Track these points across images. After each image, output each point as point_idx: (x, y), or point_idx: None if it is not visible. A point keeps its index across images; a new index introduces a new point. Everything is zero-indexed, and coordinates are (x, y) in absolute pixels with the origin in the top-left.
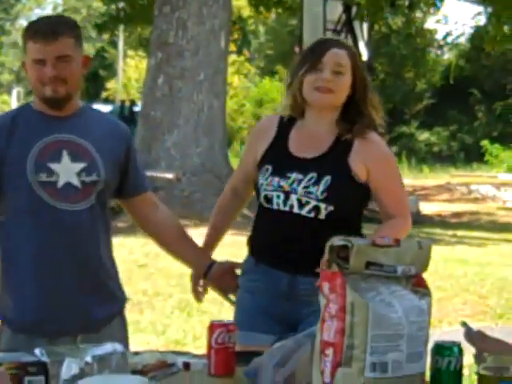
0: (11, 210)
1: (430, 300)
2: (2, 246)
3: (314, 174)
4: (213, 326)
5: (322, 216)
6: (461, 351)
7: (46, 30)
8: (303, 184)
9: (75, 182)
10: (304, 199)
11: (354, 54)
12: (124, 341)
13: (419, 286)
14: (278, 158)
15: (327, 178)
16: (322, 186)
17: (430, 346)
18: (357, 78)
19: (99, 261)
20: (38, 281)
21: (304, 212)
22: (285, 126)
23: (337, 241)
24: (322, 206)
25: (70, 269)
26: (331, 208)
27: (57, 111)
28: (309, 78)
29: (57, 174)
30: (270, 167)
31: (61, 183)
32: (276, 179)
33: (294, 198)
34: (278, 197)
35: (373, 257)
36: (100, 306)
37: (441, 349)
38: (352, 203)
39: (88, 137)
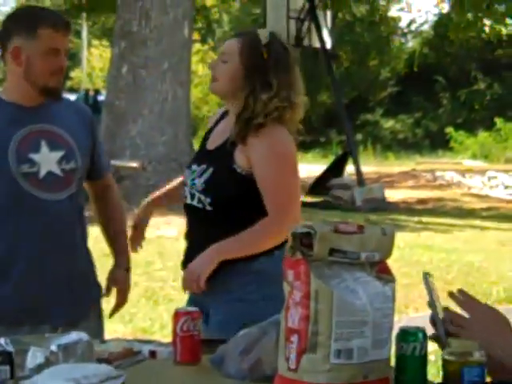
0: None
1: (394, 286)
2: None
3: (203, 166)
4: (177, 314)
5: (208, 207)
6: (425, 337)
7: (63, 21)
8: (192, 176)
9: (56, 170)
10: (192, 191)
11: (245, 42)
12: (101, 330)
13: (383, 273)
14: (198, 150)
15: (210, 170)
16: (203, 178)
17: (395, 332)
18: (246, 66)
19: (81, 250)
20: (23, 271)
21: (195, 203)
22: (221, 118)
23: (300, 228)
24: (202, 197)
25: (57, 258)
26: (209, 199)
27: (34, 102)
28: None
29: (38, 164)
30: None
31: (42, 173)
32: (186, 172)
33: (187, 190)
34: (184, 190)
35: (336, 244)
36: (83, 295)
37: (405, 335)
38: (231, 195)
39: (62, 124)
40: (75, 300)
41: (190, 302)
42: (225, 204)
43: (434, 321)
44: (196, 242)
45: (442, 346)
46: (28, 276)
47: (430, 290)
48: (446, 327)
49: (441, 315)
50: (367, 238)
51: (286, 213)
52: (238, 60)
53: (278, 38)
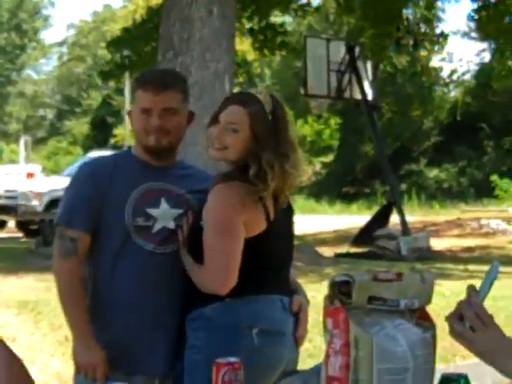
0: (101, 250)
1: (434, 332)
2: (92, 281)
3: None
4: (218, 365)
5: None
6: (467, 383)
7: (156, 80)
8: None
9: (171, 226)
10: None
11: (253, 112)
12: None
13: (423, 319)
14: None
15: None
16: None
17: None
18: (256, 135)
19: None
20: (130, 319)
21: None
22: None
23: (338, 276)
24: None
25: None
26: None
27: (157, 161)
28: None
29: (154, 218)
30: None
31: (157, 227)
32: None
33: None
34: None
35: (375, 291)
36: (181, 354)
37: (447, 381)
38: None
39: (187, 189)
40: (177, 356)
41: None
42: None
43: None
44: None
45: (464, 340)
46: (129, 324)
47: (491, 279)
48: (473, 320)
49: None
50: (406, 286)
51: (213, 272)
52: (248, 129)
53: (277, 99)
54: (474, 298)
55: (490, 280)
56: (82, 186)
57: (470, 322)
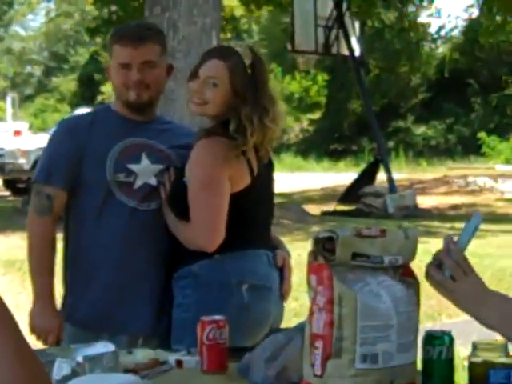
0: (82, 207)
1: (418, 289)
2: (70, 241)
3: None
4: (203, 323)
5: None
6: (451, 340)
7: (133, 34)
8: None
9: (153, 182)
10: None
11: (233, 65)
12: None
13: (407, 276)
14: None
15: None
16: None
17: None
18: (236, 89)
19: (164, 263)
20: (109, 276)
21: None
22: None
23: (322, 233)
24: None
25: (139, 267)
26: None
27: (138, 116)
28: None
29: (135, 174)
30: None
31: (138, 183)
32: None
33: None
34: None
35: (359, 248)
36: (167, 312)
37: (431, 338)
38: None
39: (167, 144)
40: (162, 313)
41: None
42: None
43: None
44: None
45: (444, 290)
46: (112, 283)
47: (471, 229)
48: (453, 269)
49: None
50: (390, 242)
51: (201, 227)
52: (228, 83)
53: (256, 52)
54: (453, 246)
55: (470, 230)
56: (59, 142)
57: (451, 270)
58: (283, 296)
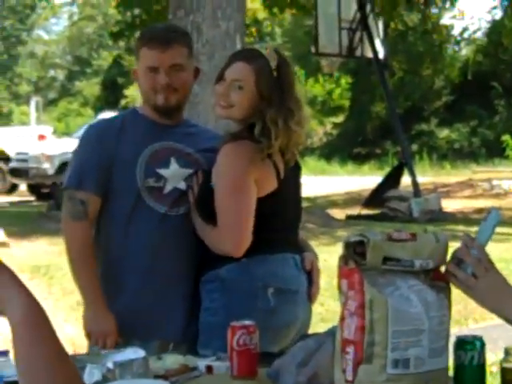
0: (111, 213)
1: (449, 293)
2: (99, 248)
3: None
4: (233, 328)
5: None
6: (483, 345)
7: (161, 37)
8: None
9: (182, 186)
10: None
11: (258, 68)
12: None
13: (438, 280)
14: None
15: None
16: None
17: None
18: (262, 91)
19: (194, 268)
20: (138, 283)
21: None
22: None
23: (353, 237)
24: None
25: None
26: None
27: (166, 119)
28: None
29: (165, 179)
30: None
31: (168, 188)
32: None
33: None
34: None
35: (389, 252)
36: (196, 316)
37: (463, 344)
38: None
39: (194, 148)
40: (192, 320)
41: None
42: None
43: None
44: None
45: (466, 287)
46: (143, 289)
47: (491, 226)
48: (475, 265)
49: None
50: (421, 246)
51: (227, 232)
52: (253, 86)
53: (282, 55)
54: (471, 244)
55: (489, 227)
56: (89, 148)
57: (472, 267)
58: (311, 298)
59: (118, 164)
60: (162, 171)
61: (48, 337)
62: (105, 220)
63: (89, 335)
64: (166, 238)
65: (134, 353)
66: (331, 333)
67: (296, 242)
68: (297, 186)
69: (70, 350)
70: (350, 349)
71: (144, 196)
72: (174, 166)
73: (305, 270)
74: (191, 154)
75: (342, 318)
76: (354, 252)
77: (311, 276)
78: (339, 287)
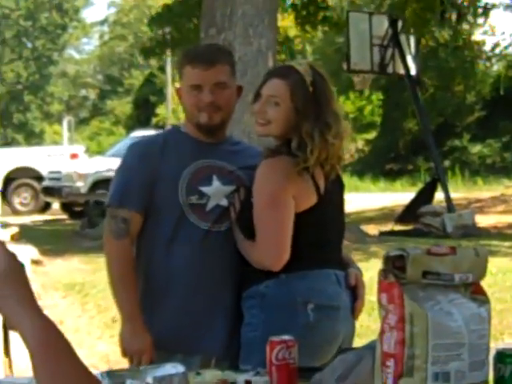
0: (154, 231)
1: (489, 307)
2: (141, 265)
3: None
4: (272, 343)
5: None
6: None
7: (204, 55)
8: None
9: (224, 203)
10: None
11: (294, 84)
12: None
13: (478, 294)
14: None
15: None
16: None
17: (492, 354)
18: (298, 107)
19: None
20: (181, 299)
21: None
22: None
23: (393, 251)
24: None
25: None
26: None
27: (209, 137)
28: None
29: (207, 196)
30: None
31: (210, 205)
32: None
33: None
34: None
35: (429, 266)
36: (239, 332)
37: (503, 356)
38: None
39: (237, 165)
40: (235, 335)
41: None
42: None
43: None
44: None
45: None
46: (185, 306)
47: None
48: None
49: None
50: (460, 260)
51: (265, 247)
52: (289, 101)
53: (317, 69)
54: None
55: None
56: (132, 166)
57: None
58: (354, 313)
59: (161, 182)
60: (205, 189)
61: (65, 356)
62: (146, 237)
63: (124, 352)
64: (208, 255)
65: (173, 368)
66: (371, 346)
67: (338, 258)
68: (339, 200)
69: (104, 367)
70: (390, 362)
71: (187, 213)
72: (216, 183)
73: (349, 286)
74: (233, 172)
75: (382, 332)
76: (394, 266)
77: (356, 292)
78: (379, 301)
